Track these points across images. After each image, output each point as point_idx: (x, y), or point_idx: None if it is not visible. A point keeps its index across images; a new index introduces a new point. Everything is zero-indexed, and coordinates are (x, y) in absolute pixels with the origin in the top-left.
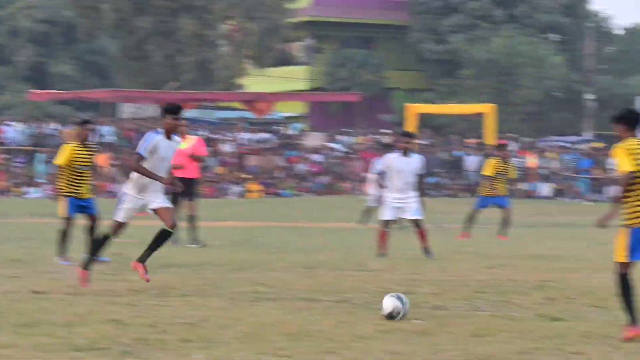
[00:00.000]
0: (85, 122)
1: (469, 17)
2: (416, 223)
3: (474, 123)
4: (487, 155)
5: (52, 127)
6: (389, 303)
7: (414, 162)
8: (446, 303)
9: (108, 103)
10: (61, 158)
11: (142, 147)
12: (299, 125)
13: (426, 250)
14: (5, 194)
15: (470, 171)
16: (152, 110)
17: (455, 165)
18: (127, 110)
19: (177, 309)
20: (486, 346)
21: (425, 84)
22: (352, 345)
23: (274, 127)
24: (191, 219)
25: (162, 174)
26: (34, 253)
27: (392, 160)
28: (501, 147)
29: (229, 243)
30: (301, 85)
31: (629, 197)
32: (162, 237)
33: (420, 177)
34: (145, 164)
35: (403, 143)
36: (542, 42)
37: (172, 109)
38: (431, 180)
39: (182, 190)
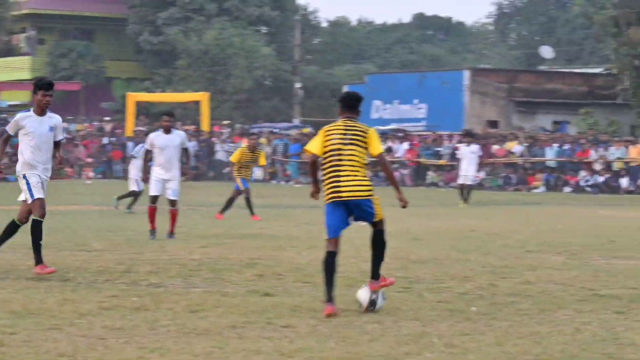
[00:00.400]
0: None
1: (184, 10)
2: (172, 203)
3: (190, 110)
4: (202, 142)
5: None
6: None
7: (176, 139)
8: (163, 281)
9: None
10: None
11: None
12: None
13: (170, 233)
14: None
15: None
16: None
17: None
18: None
19: None
20: (201, 321)
21: (143, 74)
22: (75, 322)
23: (2, 115)
24: None
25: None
26: None
27: (155, 138)
28: (251, 135)
29: None
30: (25, 75)
31: (324, 176)
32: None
33: (185, 150)
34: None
35: (165, 122)
36: (252, 34)
37: (44, 85)
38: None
39: None
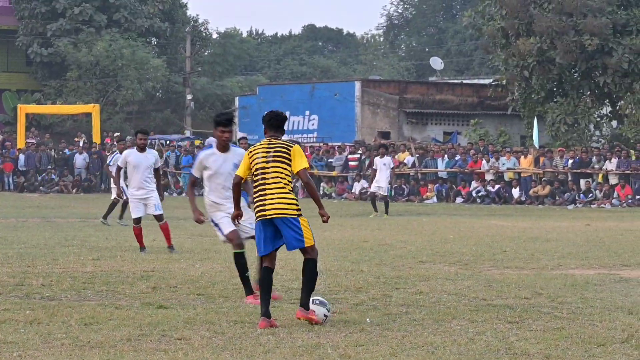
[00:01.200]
0: None
1: (73, 21)
2: (158, 218)
3: (81, 122)
4: (94, 154)
5: None
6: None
7: (150, 158)
8: (56, 294)
9: None
10: None
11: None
12: None
13: (170, 247)
14: None
15: (78, 168)
16: None
17: (65, 163)
18: None
19: None
20: (95, 334)
21: (34, 85)
22: None
23: None
24: None
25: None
26: None
27: (129, 155)
28: (240, 140)
29: None
30: None
31: (254, 195)
32: None
33: (157, 170)
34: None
35: (140, 140)
36: (143, 45)
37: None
38: (41, 177)
39: None
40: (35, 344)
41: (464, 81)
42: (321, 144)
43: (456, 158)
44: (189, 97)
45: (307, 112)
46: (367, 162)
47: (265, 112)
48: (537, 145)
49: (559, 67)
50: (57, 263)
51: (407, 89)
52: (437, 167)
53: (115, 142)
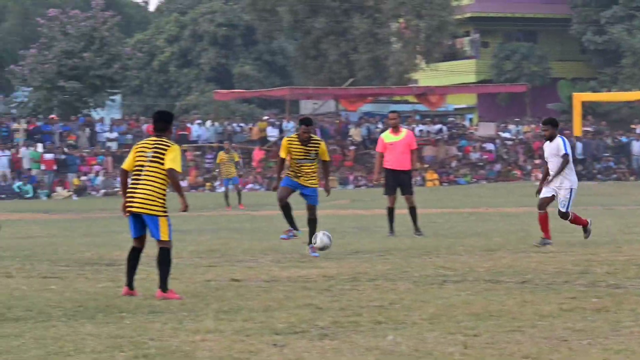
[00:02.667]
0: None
1: (627, 8)
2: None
3: (637, 109)
4: None
5: (237, 124)
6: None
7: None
8: (621, 282)
9: (289, 100)
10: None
11: None
12: (471, 116)
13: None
14: (197, 188)
15: (636, 156)
16: (330, 106)
17: (621, 150)
18: (308, 106)
19: (367, 293)
20: None
21: (588, 73)
22: (536, 324)
23: (448, 118)
24: (411, 210)
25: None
26: (228, 243)
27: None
28: None
29: (407, 229)
30: (469, 78)
31: None
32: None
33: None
34: None
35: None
36: None
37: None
38: (599, 165)
39: (398, 181)
40: (604, 332)
41: None
42: None
43: None
44: None
45: None
46: None
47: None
48: None
49: None
50: (621, 251)
51: None
52: None
53: None
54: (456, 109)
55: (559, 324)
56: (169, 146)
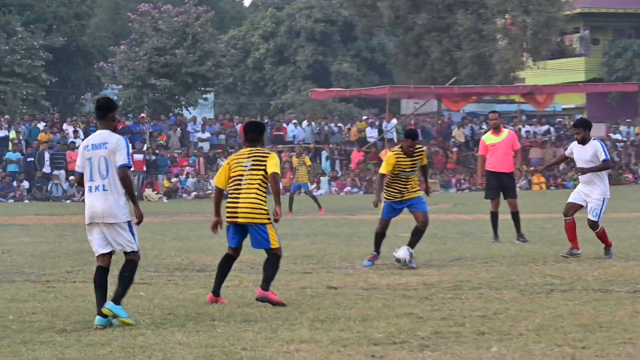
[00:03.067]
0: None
1: None
2: None
3: None
4: None
5: (334, 124)
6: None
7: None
8: None
9: (389, 100)
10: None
11: None
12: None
13: None
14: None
15: None
16: (432, 105)
17: None
18: (408, 106)
19: (470, 302)
20: None
21: None
22: None
23: (556, 119)
24: (514, 214)
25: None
26: (325, 249)
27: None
28: None
29: (512, 235)
30: (578, 77)
31: None
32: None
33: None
34: None
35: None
36: None
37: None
38: None
39: (500, 184)
40: None
41: None
42: None
43: None
44: None
45: None
46: None
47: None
48: None
49: None
50: None
51: None
52: None
53: None
54: (564, 109)
55: None
56: (268, 154)
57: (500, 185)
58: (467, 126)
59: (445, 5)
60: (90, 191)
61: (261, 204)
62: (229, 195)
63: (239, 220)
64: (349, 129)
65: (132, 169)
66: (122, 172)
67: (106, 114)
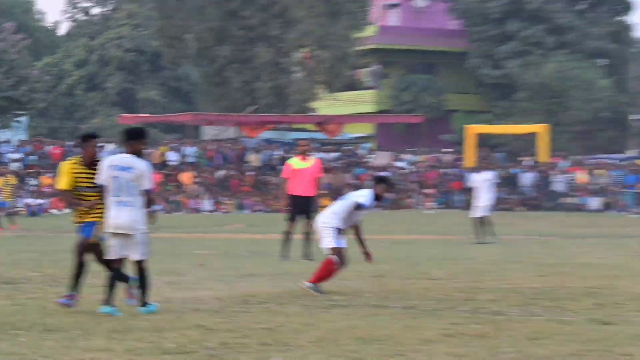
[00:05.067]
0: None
1: (523, 44)
2: None
3: (527, 142)
4: (540, 172)
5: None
6: None
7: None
8: (503, 309)
9: (192, 126)
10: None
11: None
12: (368, 145)
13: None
14: None
15: (525, 187)
16: (231, 132)
17: (511, 181)
18: (209, 132)
19: (257, 315)
20: (541, 348)
21: (482, 106)
22: (418, 348)
23: (344, 147)
24: (307, 235)
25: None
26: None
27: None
28: None
29: (301, 254)
30: (368, 108)
31: None
32: None
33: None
34: None
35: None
36: (590, 66)
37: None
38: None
39: (302, 207)
40: (482, 357)
41: None
42: None
43: None
44: (635, 117)
45: None
46: None
47: None
48: None
49: None
50: (504, 279)
51: None
52: None
53: None
54: (354, 138)
55: (440, 349)
56: None
57: (301, 209)
58: (262, 152)
59: (247, 39)
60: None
61: None
62: None
63: None
64: (152, 153)
65: None
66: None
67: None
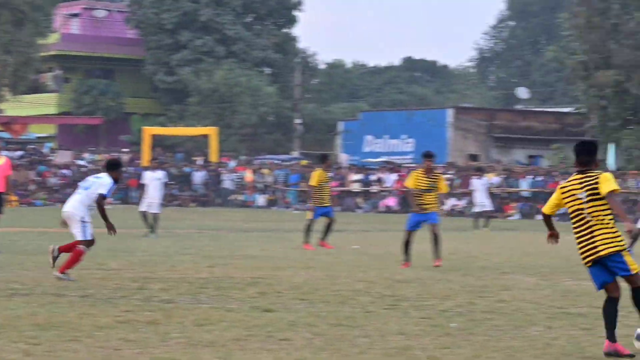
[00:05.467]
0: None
1: (195, 52)
2: None
3: (199, 143)
4: (211, 171)
5: None
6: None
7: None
8: (174, 297)
9: None
10: None
11: None
12: (50, 145)
13: None
14: None
15: (197, 184)
16: None
17: (184, 179)
18: None
19: None
20: (207, 334)
21: (158, 110)
22: (93, 334)
23: (29, 146)
24: None
25: None
26: None
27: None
28: (324, 158)
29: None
30: (51, 110)
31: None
32: None
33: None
34: None
35: None
36: (257, 74)
37: None
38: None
39: None
40: (154, 342)
41: (547, 109)
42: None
43: (538, 179)
44: (298, 121)
45: (404, 136)
46: (458, 182)
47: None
48: (612, 168)
49: (634, 97)
50: (175, 269)
51: (495, 116)
52: (520, 187)
53: None
54: (38, 138)
55: (113, 335)
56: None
57: None
58: None
59: None
60: None
61: None
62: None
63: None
64: None
65: None
66: None
67: None
